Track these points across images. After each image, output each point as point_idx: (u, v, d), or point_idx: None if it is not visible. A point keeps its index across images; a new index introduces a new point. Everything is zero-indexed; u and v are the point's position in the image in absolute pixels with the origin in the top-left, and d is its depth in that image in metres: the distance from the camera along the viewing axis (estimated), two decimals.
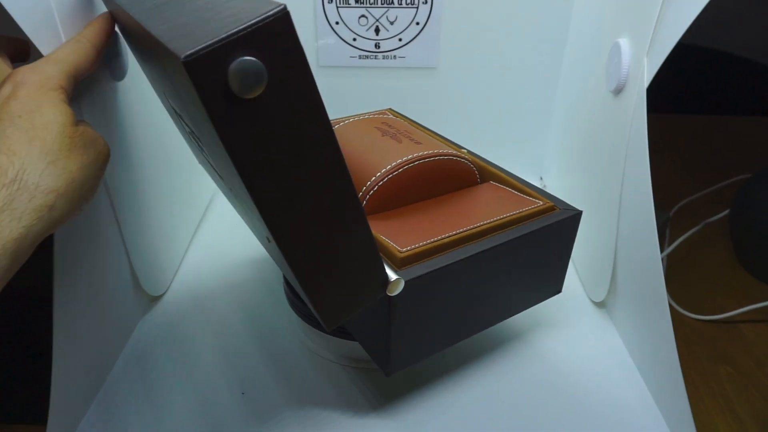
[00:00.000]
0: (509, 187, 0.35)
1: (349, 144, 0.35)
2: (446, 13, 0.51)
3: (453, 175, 0.35)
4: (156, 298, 0.43)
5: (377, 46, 0.52)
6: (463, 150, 0.38)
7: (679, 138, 0.74)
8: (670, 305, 0.45)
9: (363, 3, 0.50)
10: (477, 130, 0.57)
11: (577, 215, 0.33)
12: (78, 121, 0.24)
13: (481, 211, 0.32)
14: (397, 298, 0.26)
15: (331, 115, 0.59)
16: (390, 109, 0.46)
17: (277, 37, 0.17)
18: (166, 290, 0.44)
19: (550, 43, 0.51)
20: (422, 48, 0.52)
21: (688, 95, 0.82)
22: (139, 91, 0.36)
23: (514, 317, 0.36)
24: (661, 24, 0.30)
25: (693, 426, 0.29)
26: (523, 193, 0.34)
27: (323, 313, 0.25)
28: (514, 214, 0.31)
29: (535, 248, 0.32)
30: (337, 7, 0.50)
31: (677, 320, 0.44)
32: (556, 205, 0.33)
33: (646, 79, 0.31)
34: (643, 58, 0.31)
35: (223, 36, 0.16)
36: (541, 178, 0.59)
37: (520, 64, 0.53)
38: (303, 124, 0.20)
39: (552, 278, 0.35)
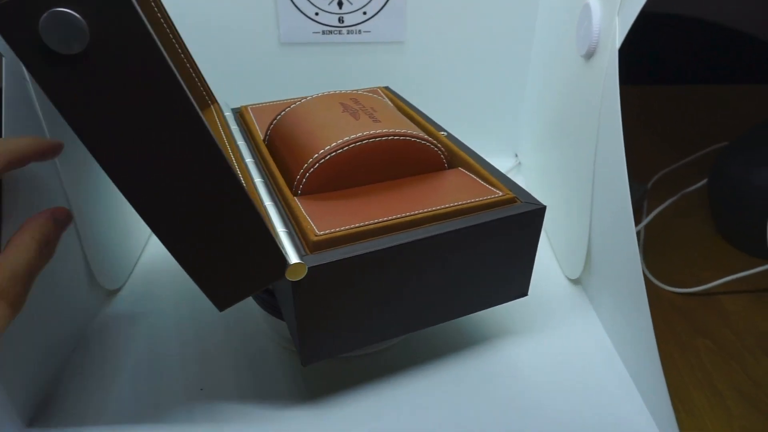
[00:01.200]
0: (475, 174, 0.33)
1: (304, 119, 0.33)
2: None
3: (411, 158, 0.32)
4: (113, 293, 0.40)
5: (341, 20, 0.50)
6: (442, 133, 0.36)
7: (655, 109, 0.73)
8: (648, 279, 0.44)
9: None
10: (448, 106, 0.55)
11: (539, 210, 0.30)
12: None
13: (429, 199, 0.29)
14: (302, 284, 0.25)
15: (296, 95, 0.56)
16: (386, 88, 0.43)
17: None
18: (124, 284, 0.41)
19: (522, 12, 0.49)
20: (388, 21, 0.50)
21: (663, 65, 0.81)
22: None
23: None
24: None
25: (669, 402, 0.28)
26: (487, 182, 0.31)
27: (209, 292, 0.24)
28: (461, 204, 0.29)
29: (486, 243, 0.29)
30: None
31: (655, 294, 0.43)
32: (518, 197, 0.30)
33: (618, 39, 0.29)
34: (614, 18, 0.29)
35: None
36: (516, 155, 0.58)
37: (490, 36, 0.51)
38: (144, 85, 0.18)
39: (512, 278, 0.32)
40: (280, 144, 0.33)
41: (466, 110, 0.55)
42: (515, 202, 0.30)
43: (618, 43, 0.29)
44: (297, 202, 0.29)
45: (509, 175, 0.55)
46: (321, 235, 0.26)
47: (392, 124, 0.32)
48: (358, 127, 0.31)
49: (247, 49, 0.51)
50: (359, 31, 0.50)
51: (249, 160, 0.33)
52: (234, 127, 0.37)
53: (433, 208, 0.28)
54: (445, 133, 0.36)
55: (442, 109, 0.55)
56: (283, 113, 0.35)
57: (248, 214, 0.23)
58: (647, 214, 0.50)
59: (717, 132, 0.64)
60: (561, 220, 0.42)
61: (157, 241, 0.47)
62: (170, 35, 0.37)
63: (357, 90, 0.40)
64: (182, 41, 0.38)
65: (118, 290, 0.41)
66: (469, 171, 0.33)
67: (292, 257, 0.24)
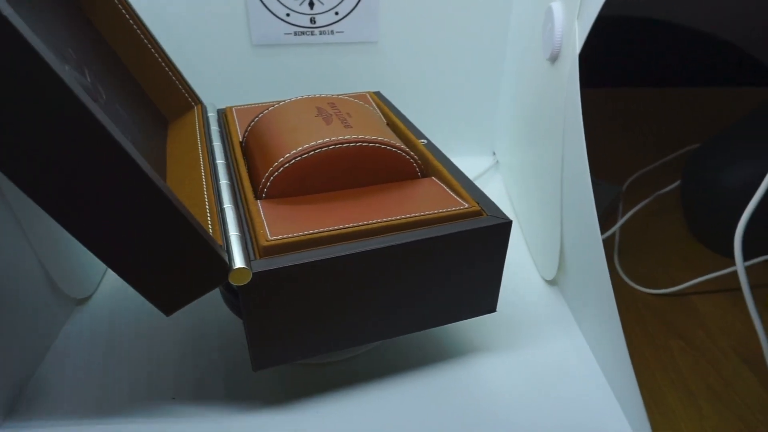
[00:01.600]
0: (446, 184, 0.32)
1: (277, 122, 0.33)
2: None
3: (381, 165, 0.32)
4: (83, 301, 0.40)
5: (313, 21, 0.49)
6: (422, 141, 0.35)
7: (632, 111, 0.73)
8: (622, 280, 0.44)
9: None
10: (426, 105, 0.55)
11: (504, 224, 0.29)
12: None
13: (392, 208, 0.29)
14: (247, 289, 0.24)
15: (271, 97, 0.55)
16: (375, 92, 0.43)
17: None
18: (95, 291, 0.41)
19: (495, 12, 0.49)
20: (361, 21, 0.49)
21: (640, 68, 0.81)
22: None
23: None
24: None
25: (641, 403, 0.28)
26: (456, 193, 0.31)
27: (151, 299, 0.24)
28: (422, 215, 0.28)
29: (446, 256, 0.28)
30: None
31: (629, 295, 0.43)
32: (484, 209, 0.29)
33: (578, 44, 0.29)
34: (574, 22, 0.29)
35: None
36: (494, 153, 0.58)
37: (465, 34, 0.51)
38: (37, 96, 0.19)
39: (478, 294, 0.31)
40: (253, 146, 0.33)
41: (443, 109, 0.55)
42: (481, 214, 0.29)
43: (578, 49, 0.29)
44: (258, 206, 0.29)
45: (488, 174, 0.56)
46: (272, 241, 0.25)
47: (364, 130, 0.31)
48: (328, 132, 0.31)
49: (220, 52, 0.50)
50: (332, 31, 0.50)
51: (220, 161, 0.33)
52: (214, 128, 0.37)
53: (392, 218, 0.28)
54: (425, 141, 0.36)
55: (419, 108, 0.55)
56: (260, 115, 0.34)
57: (177, 222, 0.23)
58: (622, 216, 0.50)
59: (692, 134, 0.64)
60: (535, 220, 0.42)
61: None
62: (144, 39, 0.37)
63: (339, 95, 0.39)
64: (158, 45, 0.38)
65: (88, 298, 0.40)
66: (440, 180, 0.32)
67: (237, 262, 0.24)
